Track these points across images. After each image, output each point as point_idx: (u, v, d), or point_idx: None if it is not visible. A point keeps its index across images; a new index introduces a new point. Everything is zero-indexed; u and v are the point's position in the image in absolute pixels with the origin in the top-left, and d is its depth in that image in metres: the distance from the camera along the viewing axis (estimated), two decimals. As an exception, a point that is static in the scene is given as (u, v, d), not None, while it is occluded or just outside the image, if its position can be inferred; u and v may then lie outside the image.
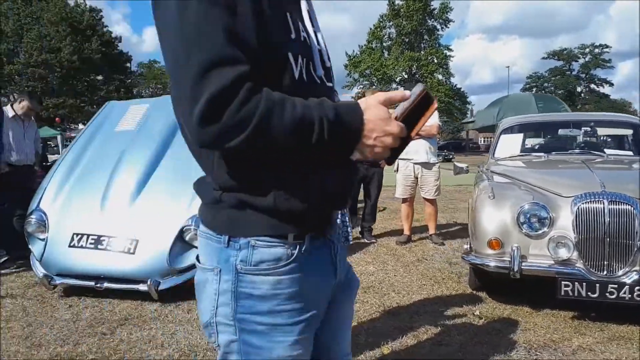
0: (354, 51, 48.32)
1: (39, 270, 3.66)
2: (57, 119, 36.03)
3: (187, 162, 3.88)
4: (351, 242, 5.47)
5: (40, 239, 3.79)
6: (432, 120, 5.31)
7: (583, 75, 54.23)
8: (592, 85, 54.00)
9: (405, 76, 47.32)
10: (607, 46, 53.02)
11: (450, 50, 47.50)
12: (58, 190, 3.91)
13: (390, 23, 47.92)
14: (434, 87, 45.00)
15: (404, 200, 5.49)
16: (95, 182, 3.89)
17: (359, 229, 5.73)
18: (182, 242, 3.56)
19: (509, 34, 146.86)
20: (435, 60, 46.97)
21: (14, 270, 4.46)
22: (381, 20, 48.32)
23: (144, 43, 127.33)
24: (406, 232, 5.52)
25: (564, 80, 52.84)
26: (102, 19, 46.13)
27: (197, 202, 1.03)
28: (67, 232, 3.64)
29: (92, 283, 3.49)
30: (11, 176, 4.55)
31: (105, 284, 3.48)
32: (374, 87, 45.08)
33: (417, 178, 5.36)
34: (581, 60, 54.09)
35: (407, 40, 47.75)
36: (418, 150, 5.24)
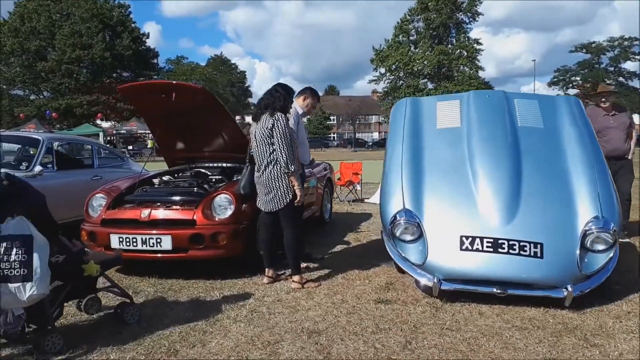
0: (380, 45, 47.91)
1: (426, 275, 3.46)
2: (99, 114, 35.79)
3: (551, 160, 3.62)
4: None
5: (406, 242, 3.59)
6: None
7: (612, 69, 53.73)
8: (621, 79, 53.42)
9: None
10: (637, 39, 52.41)
11: (480, 44, 47.05)
12: (416, 191, 3.69)
13: (419, 17, 47.52)
14: (465, 82, 44.64)
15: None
16: (458, 183, 3.69)
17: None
18: (583, 246, 3.37)
19: (513, 27, 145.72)
20: (465, 54, 46.60)
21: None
22: (409, 14, 47.92)
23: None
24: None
25: (592, 73, 52.30)
26: (130, 15, 45.93)
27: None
28: (453, 234, 3.44)
29: (493, 289, 3.30)
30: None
31: (509, 290, 3.29)
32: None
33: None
34: (610, 54, 53.53)
35: (434, 34, 47.39)
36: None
